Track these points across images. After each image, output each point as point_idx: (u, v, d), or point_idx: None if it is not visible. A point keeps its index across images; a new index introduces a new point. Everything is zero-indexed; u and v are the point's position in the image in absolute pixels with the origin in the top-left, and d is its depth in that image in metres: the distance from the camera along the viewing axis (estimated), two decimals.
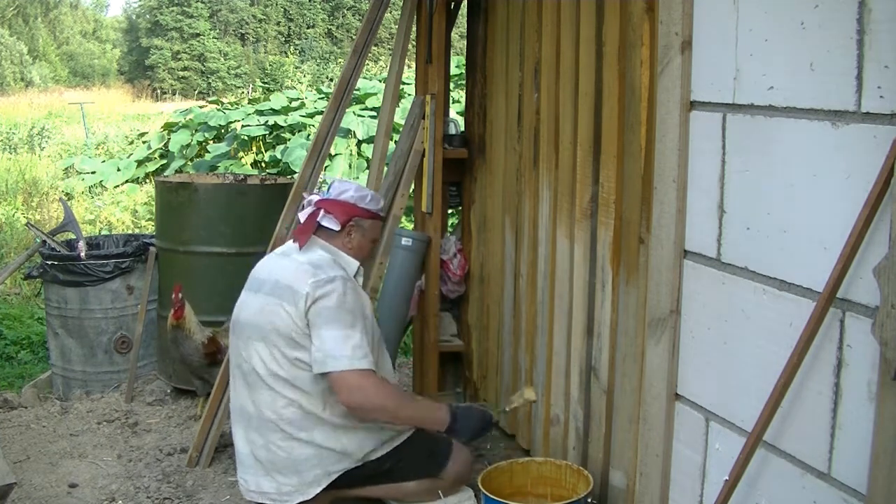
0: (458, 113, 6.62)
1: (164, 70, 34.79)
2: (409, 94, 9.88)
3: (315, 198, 2.89)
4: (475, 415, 2.83)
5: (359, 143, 10.32)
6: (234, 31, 37.24)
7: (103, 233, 8.09)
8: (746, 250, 1.99)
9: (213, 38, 35.68)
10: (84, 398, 4.36)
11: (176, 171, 10.67)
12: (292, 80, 25.77)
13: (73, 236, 4.68)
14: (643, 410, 2.42)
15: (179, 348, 3.84)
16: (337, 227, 2.82)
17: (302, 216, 2.88)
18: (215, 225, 4.26)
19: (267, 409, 2.68)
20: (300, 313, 2.63)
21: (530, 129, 3.41)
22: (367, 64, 15.22)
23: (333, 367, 2.57)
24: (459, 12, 4.17)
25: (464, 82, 4.97)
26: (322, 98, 13.05)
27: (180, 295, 3.80)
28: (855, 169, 1.66)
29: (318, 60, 33.89)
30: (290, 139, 10.78)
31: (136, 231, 8.38)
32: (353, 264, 2.85)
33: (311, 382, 2.65)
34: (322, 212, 2.83)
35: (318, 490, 2.68)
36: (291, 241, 2.90)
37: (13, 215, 9.08)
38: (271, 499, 2.71)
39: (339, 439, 2.69)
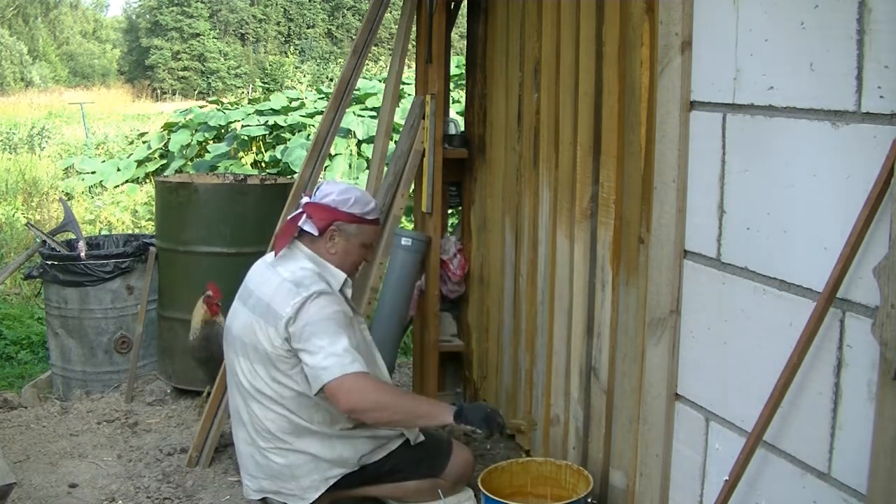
0: (458, 113, 6.62)
1: (164, 70, 34.80)
2: (409, 94, 9.88)
3: (305, 200, 2.78)
4: (482, 406, 2.74)
5: (359, 143, 10.32)
6: (234, 31, 37.24)
7: (103, 233, 8.09)
8: (746, 250, 1.99)
9: (213, 38, 35.68)
10: (84, 398, 4.36)
11: (176, 171, 10.67)
12: (292, 80, 25.78)
13: (73, 236, 4.68)
14: (643, 410, 2.42)
15: (211, 346, 3.70)
16: (315, 232, 2.70)
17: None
18: (215, 225, 4.25)
19: (258, 420, 2.67)
20: (280, 336, 2.56)
21: (530, 129, 3.41)
22: (367, 64, 15.21)
23: (327, 378, 2.49)
24: (459, 12, 4.17)
25: (464, 82, 4.97)
26: (322, 98, 13.05)
27: (209, 292, 3.75)
28: (855, 169, 1.66)
29: (318, 60, 33.89)
30: (290, 139, 10.78)
31: (136, 231, 8.38)
32: (339, 277, 2.72)
33: (294, 400, 2.63)
34: (305, 216, 2.72)
35: (317, 495, 2.68)
36: (282, 239, 2.79)
37: (13, 215, 9.07)
38: (273, 496, 2.73)
39: (334, 447, 2.68)
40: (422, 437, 2.79)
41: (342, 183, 2.92)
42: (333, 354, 2.51)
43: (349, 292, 2.78)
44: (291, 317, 2.55)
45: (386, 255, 3.72)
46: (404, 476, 2.79)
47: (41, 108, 21.21)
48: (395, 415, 2.60)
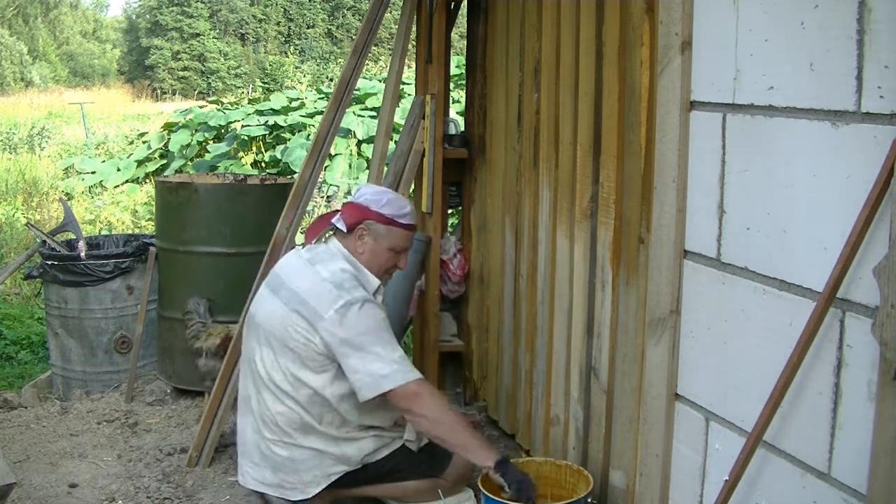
0: (458, 113, 6.62)
1: (164, 70, 34.80)
2: (409, 94, 9.88)
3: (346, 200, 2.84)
4: (524, 474, 2.59)
5: (359, 143, 10.32)
6: (234, 31, 37.24)
7: (103, 233, 8.09)
8: (746, 250, 1.99)
9: (213, 38, 35.69)
10: (84, 398, 4.36)
11: (176, 171, 10.67)
12: (292, 80, 25.77)
13: (73, 236, 4.68)
14: (643, 410, 2.42)
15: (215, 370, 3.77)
16: (344, 228, 2.72)
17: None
18: (215, 225, 4.25)
19: (268, 411, 2.68)
20: (319, 336, 2.57)
21: (530, 129, 3.41)
22: (367, 64, 15.21)
23: (389, 385, 2.53)
24: (459, 12, 4.17)
25: (464, 82, 4.97)
26: (322, 98, 13.05)
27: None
28: (855, 169, 1.66)
29: (318, 60, 33.89)
30: (290, 139, 10.78)
31: (136, 231, 8.37)
32: (374, 282, 2.74)
33: (309, 398, 2.64)
34: (339, 213, 2.76)
35: (318, 490, 2.68)
36: (312, 232, 2.82)
37: (13, 215, 9.07)
38: (272, 490, 2.72)
39: (339, 446, 2.69)
40: (424, 442, 2.79)
41: (381, 187, 2.91)
42: (394, 362, 2.55)
43: (379, 299, 2.78)
44: (336, 320, 2.55)
45: None
46: (405, 476, 2.79)
47: (41, 108, 21.22)
48: (447, 434, 2.61)
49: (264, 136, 11.02)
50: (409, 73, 8.41)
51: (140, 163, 11.77)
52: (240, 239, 4.24)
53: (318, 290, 2.62)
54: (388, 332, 2.61)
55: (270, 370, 2.66)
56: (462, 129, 4.15)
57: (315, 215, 8.50)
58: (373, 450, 2.73)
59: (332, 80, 26.33)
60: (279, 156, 10.28)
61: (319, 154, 3.79)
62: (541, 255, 3.32)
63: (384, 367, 2.54)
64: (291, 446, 2.67)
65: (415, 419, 2.62)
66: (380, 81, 12.54)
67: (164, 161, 11.67)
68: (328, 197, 9.07)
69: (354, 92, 6.58)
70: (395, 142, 4.03)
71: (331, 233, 2.81)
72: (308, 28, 37.57)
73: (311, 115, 11.59)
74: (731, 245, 2.04)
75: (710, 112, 2.09)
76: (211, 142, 11.57)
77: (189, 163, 11.07)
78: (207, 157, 10.96)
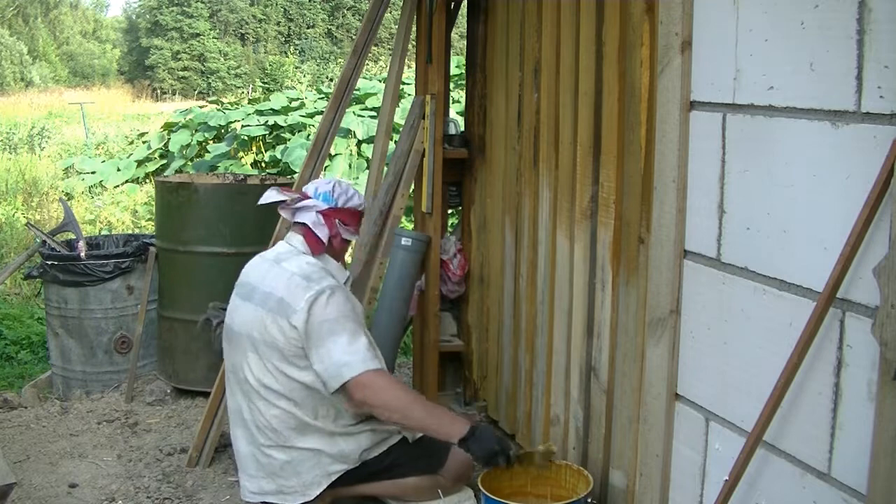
0: (458, 113, 6.62)
1: (164, 70, 34.80)
2: (409, 94, 9.88)
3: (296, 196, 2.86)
4: (493, 437, 2.66)
5: (359, 143, 10.32)
6: (234, 31, 37.24)
7: (103, 233, 8.09)
8: (746, 250, 1.99)
9: (213, 38, 35.68)
10: (84, 398, 4.36)
11: (176, 171, 10.67)
12: (292, 80, 25.77)
13: (73, 236, 4.68)
14: (643, 410, 2.42)
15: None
16: (326, 239, 2.79)
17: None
18: (215, 225, 4.25)
19: (261, 417, 2.68)
20: (294, 329, 2.60)
21: (530, 129, 3.40)
22: (367, 64, 15.22)
23: (348, 374, 2.55)
24: (459, 12, 4.17)
25: (464, 82, 4.97)
26: (322, 98, 13.05)
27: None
28: (855, 169, 1.66)
29: (318, 60, 33.89)
30: (290, 139, 10.78)
31: (136, 231, 8.38)
32: (343, 273, 2.81)
33: (301, 394, 2.65)
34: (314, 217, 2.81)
35: (319, 490, 2.69)
36: (279, 243, 2.88)
37: (13, 215, 9.07)
38: (273, 498, 2.72)
39: (336, 443, 2.69)
40: (419, 435, 2.80)
41: (321, 180, 2.98)
42: (354, 351, 2.57)
43: (349, 286, 2.84)
44: (305, 310, 2.59)
45: (386, 255, 3.72)
46: (404, 472, 2.79)
47: (41, 108, 21.22)
48: (405, 419, 2.65)
49: (264, 136, 11.02)
50: (409, 73, 8.41)
51: (140, 163, 11.77)
52: (240, 239, 4.24)
53: (289, 284, 2.67)
54: (352, 321, 2.62)
55: (260, 375, 2.67)
56: (462, 129, 4.15)
57: None
58: (370, 445, 2.74)
59: (332, 80, 26.32)
60: (279, 156, 10.28)
61: (319, 154, 3.79)
62: (541, 255, 3.32)
63: (343, 355, 2.56)
64: (289, 449, 2.67)
65: (374, 411, 2.62)
66: (380, 81, 12.54)
67: (164, 161, 11.68)
68: None
69: (354, 92, 6.58)
70: (395, 142, 4.03)
71: (288, 227, 2.88)
72: (308, 28, 37.56)
73: (311, 115, 11.59)
74: (731, 245, 2.04)
75: (710, 112, 2.09)
76: (211, 142, 11.58)
77: (189, 163, 11.07)
78: (207, 157, 10.96)
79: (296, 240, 2.81)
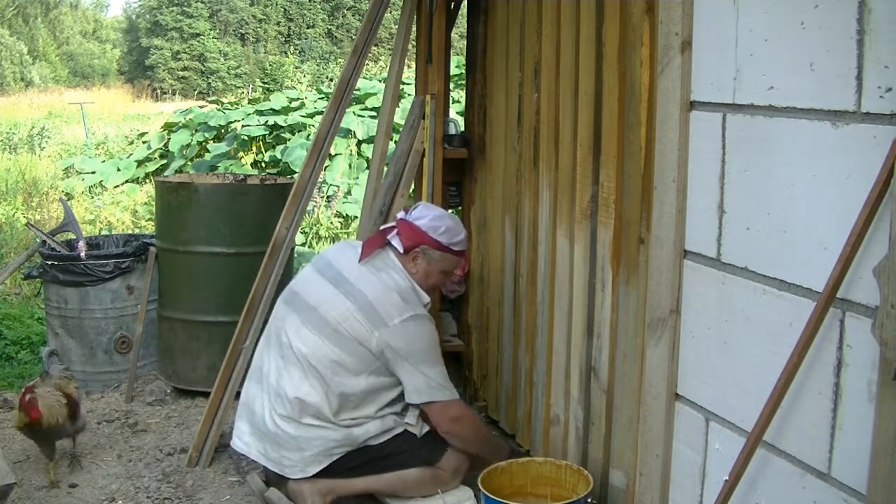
0: (458, 113, 6.62)
1: (164, 70, 34.80)
2: (409, 94, 9.88)
3: (401, 215, 2.94)
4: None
5: (359, 143, 10.32)
6: (234, 31, 37.24)
7: (103, 233, 8.09)
8: (746, 250, 1.99)
9: (213, 38, 35.69)
10: (84, 398, 4.35)
11: (176, 171, 10.67)
12: (292, 80, 25.75)
13: (73, 236, 4.68)
14: (643, 410, 2.42)
15: (50, 438, 3.39)
16: (401, 249, 2.86)
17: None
18: (215, 225, 4.25)
19: (289, 386, 2.73)
20: (375, 339, 2.70)
21: (530, 129, 3.40)
22: (367, 64, 15.22)
23: (439, 397, 2.77)
24: (459, 12, 4.17)
25: (464, 82, 4.97)
26: (322, 98, 13.05)
27: (28, 396, 3.26)
28: (855, 169, 1.66)
29: (318, 60, 33.89)
30: (290, 139, 10.78)
31: (136, 231, 8.37)
32: (425, 299, 2.89)
33: (339, 390, 2.73)
34: (395, 231, 2.89)
35: (318, 469, 2.73)
36: (370, 247, 2.92)
37: (13, 215, 9.07)
38: (272, 465, 2.77)
39: (349, 429, 2.78)
40: (426, 429, 2.85)
41: (438, 209, 3.03)
42: (443, 378, 2.80)
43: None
44: (398, 330, 2.70)
45: None
46: (403, 460, 2.82)
47: (41, 108, 21.22)
48: (472, 448, 2.92)
49: (264, 136, 11.02)
50: (409, 73, 8.41)
51: (140, 163, 11.77)
52: (240, 239, 4.24)
53: (384, 297, 2.76)
54: (438, 351, 2.83)
55: (309, 350, 2.75)
56: (462, 129, 4.15)
57: (315, 215, 8.51)
58: (376, 433, 2.81)
59: (332, 80, 26.33)
60: (279, 156, 10.28)
61: (319, 154, 3.79)
62: (541, 255, 3.32)
63: (436, 380, 2.77)
64: (301, 425, 2.74)
65: (451, 439, 2.85)
66: (380, 81, 12.54)
67: (164, 161, 11.67)
68: (328, 197, 9.07)
69: (354, 92, 6.58)
70: (395, 142, 4.03)
71: (383, 246, 2.93)
72: (308, 28, 37.56)
73: (311, 115, 11.59)
74: (731, 245, 2.04)
75: (710, 112, 2.09)
76: (211, 142, 11.58)
77: (189, 163, 11.07)
78: (207, 157, 10.95)
79: (390, 256, 2.88)
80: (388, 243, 2.89)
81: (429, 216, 2.89)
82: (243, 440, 2.88)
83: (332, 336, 2.72)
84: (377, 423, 2.80)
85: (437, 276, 2.93)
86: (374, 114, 10.81)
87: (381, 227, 3.02)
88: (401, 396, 2.84)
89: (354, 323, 2.72)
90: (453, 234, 2.90)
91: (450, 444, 2.88)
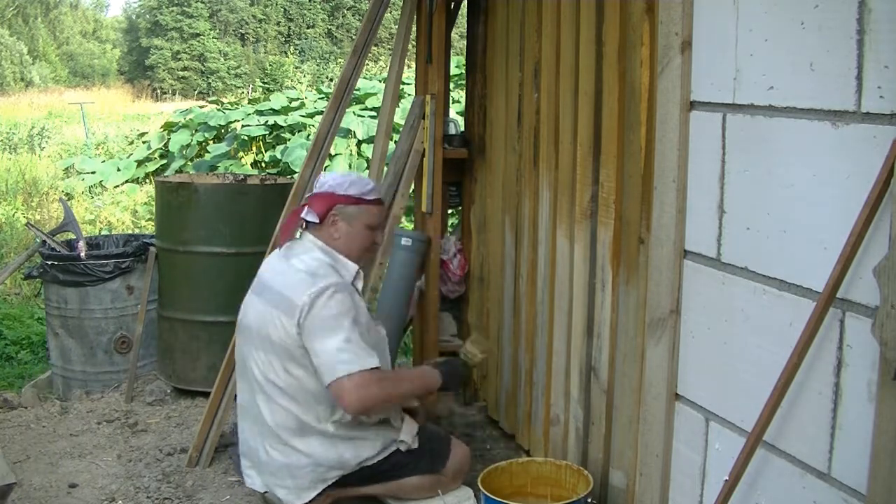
0: (458, 113, 6.62)
1: (164, 70, 34.80)
2: (409, 94, 9.88)
3: (308, 194, 2.84)
4: (457, 369, 2.92)
5: (359, 143, 10.32)
6: (234, 31, 37.23)
7: (103, 233, 8.09)
8: (746, 250, 1.99)
9: (213, 38, 35.68)
10: (84, 398, 4.36)
11: (176, 171, 10.67)
12: (292, 80, 25.76)
13: (73, 236, 4.68)
14: (643, 410, 2.42)
15: None
16: (317, 220, 2.72)
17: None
18: (215, 225, 4.25)
19: (265, 414, 2.68)
20: (294, 324, 2.58)
21: (530, 129, 3.41)
22: (367, 64, 15.22)
23: (345, 370, 2.51)
24: (459, 12, 4.17)
25: (464, 82, 4.97)
26: (322, 98, 13.05)
27: None
28: (855, 169, 1.66)
29: (318, 60, 33.88)
30: (290, 139, 10.78)
31: (136, 231, 8.38)
32: (352, 268, 2.75)
33: (304, 393, 2.64)
34: (306, 207, 2.76)
35: (313, 495, 2.68)
36: (285, 231, 2.84)
37: (13, 215, 9.08)
38: (269, 494, 2.74)
39: (336, 448, 2.67)
40: (416, 445, 2.78)
41: (341, 173, 2.90)
42: (349, 349, 2.53)
43: (360, 285, 2.78)
44: (307, 305, 2.56)
45: (386, 256, 3.72)
46: (405, 473, 2.78)
47: (41, 108, 21.22)
48: (399, 402, 2.76)
49: (264, 136, 11.02)
50: (409, 73, 8.41)
51: (140, 163, 11.78)
52: (240, 239, 4.24)
53: (293, 281, 2.64)
54: (349, 320, 2.58)
55: (266, 371, 2.67)
56: (462, 129, 4.15)
57: None
58: (369, 455, 2.71)
59: (332, 80, 26.32)
60: (279, 156, 10.28)
61: (319, 154, 3.79)
62: (541, 255, 3.32)
63: (341, 354, 2.52)
64: (288, 448, 2.66)
65: (371, 414, 2.65)
66: (380, 81, 12.54)
67: (164, 161, 11.68)
68: None
69: (354, 92, 6.58)
70: (395, 142, 4.03)
71: (302, 228, 2.82)
72: (308, 28, 37.56)
73: (311, 115, 11.59)
74: (731, 245, 2.04)
75: (710, 112, 2.09)
76: (211, 142, 11.58)
77: (189, 163, 11.07)
78: (207, 157, 10.96)
79: (306, 237, 2.78)
80: (305, 222, 2.75)
81: (331, 178, 2.77)
82: (248, 474, 2.84)
83: (273, 348, 2.63)
84: (369, 445, 2.70)
85: (363, 234, 2.74)
86: (374, 114, 10.81)
87: (293, 209, 2.85)
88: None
89: (278, 321, 2.61)
90: (362, 185, 2.74)
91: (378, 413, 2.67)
